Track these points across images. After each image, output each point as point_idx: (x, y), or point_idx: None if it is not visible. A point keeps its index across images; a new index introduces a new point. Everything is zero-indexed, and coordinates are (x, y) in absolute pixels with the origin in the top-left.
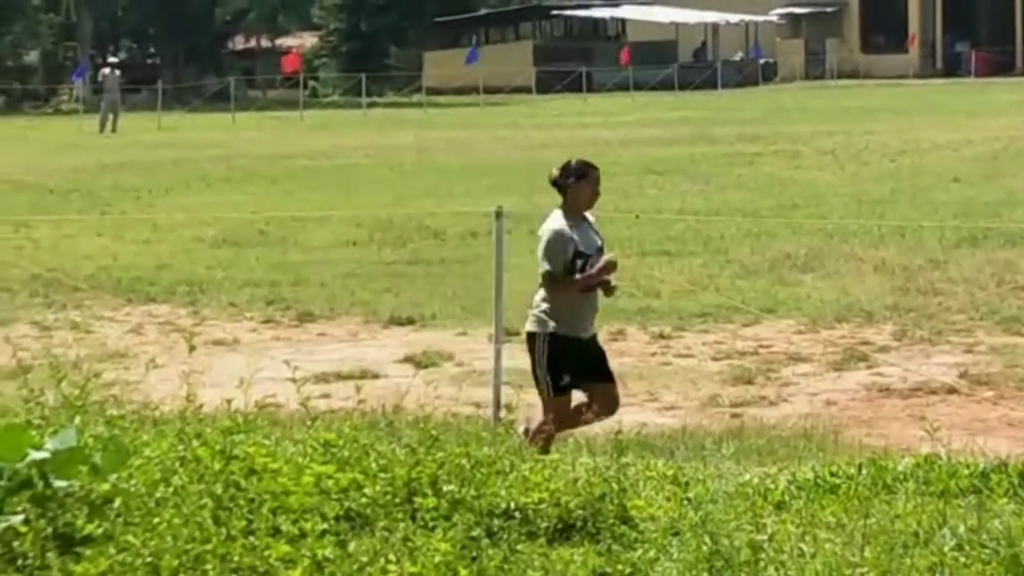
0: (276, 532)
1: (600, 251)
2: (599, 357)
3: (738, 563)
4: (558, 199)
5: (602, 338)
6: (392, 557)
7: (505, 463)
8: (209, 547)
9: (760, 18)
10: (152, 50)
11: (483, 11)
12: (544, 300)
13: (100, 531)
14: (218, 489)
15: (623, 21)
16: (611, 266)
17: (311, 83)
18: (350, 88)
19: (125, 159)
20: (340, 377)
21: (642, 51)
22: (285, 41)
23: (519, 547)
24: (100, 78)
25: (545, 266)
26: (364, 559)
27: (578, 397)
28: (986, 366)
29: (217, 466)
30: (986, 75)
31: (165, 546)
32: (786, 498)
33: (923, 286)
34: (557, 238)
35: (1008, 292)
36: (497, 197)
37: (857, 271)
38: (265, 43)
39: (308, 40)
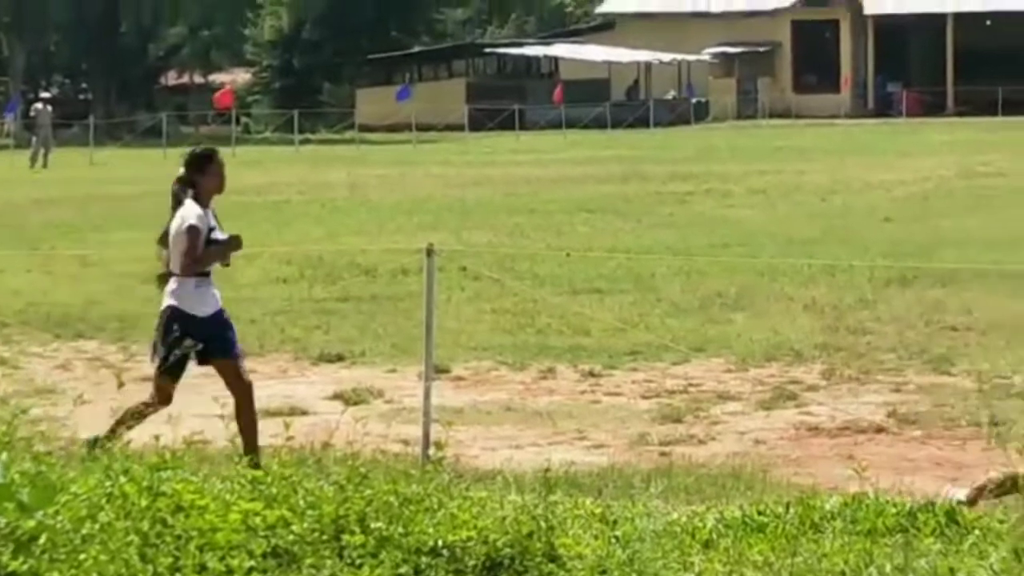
0: (203, 569)
1: None
2: None
3: None
4: (485, 237)
5: (530, 376)
6: None
7: (433, 500)
8: None
9: (692, 57)
10: (84, 85)
11: (416, 48)
12: None
13: (26, 568)
14: (145, 526)
15: (556, 59)
16: None
17: (244, 119)
18: (282, 124)
19: (56, 195)
20: (269, 414)
21: (575, 89)
22: (218, 77)
23: None
24: (32, 113)
25: None
26: None
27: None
28: (914, 405)
29: (144, 503)
30: (917, 115)
31: None
32: (714, 536)
33: (852, 325)
34: None
35: (937, 331)
36: (428, 234)
37: (787, 310)
38: (198, 79)
39: (241, 76)
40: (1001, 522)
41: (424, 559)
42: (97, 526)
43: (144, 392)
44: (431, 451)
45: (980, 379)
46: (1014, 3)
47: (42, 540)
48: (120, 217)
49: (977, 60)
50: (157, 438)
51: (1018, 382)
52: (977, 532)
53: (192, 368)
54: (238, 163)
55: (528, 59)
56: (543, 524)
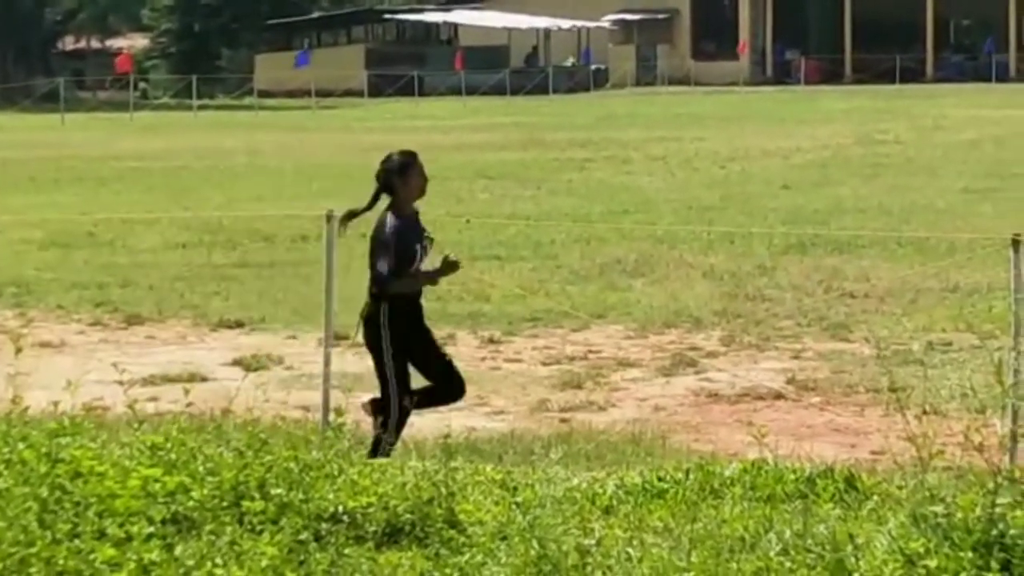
0: (102, 535)
1: None
2: None
3: (565, 567)
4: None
5: None
6: (219, 561)
7: (333, 467)
8: (34, 550)
9: (592, 24)
10: None
11: (315, 14)
12: None
13: None
14: (43, 492)
15: (455, 25)
16: None
17: (141, 84)
18: (181, 90)
19: None
20: (168, 380)
21: (474, 56)
22: (116, 42)
23: (347, 551)
24: None
25: None
26: (190, 563)
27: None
28: (813, 372)
29: (43, 469)
30: (815, 83)
31: None
32: (614, 503)
33: (751, 292)
34: None
35: (835, 299)
36: (328, 200)
37: (686, 277)
38: (96, 44)
39: (139, 41)
40: (900, 488)
41: (324, 525)
42: None
43: (42, 357)
44: (331, 417)
45: (878, 345)
46: None
47: None
48: (16, 182)
49: (875, 28)
50: (55, 404)
51: (916, 348)
52: (876, 498)
53: (93, 335)
54: (135, 129)
55: (428, 25)
56: (443, 490)
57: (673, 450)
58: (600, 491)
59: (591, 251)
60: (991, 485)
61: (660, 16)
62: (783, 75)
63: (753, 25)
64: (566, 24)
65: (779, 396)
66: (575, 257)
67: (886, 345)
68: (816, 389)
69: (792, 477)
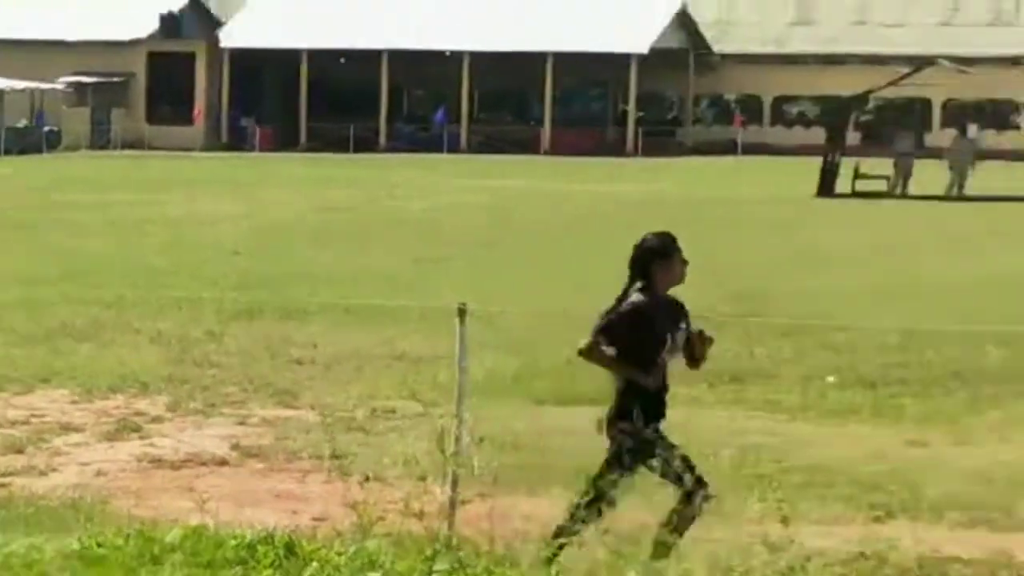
0: None
1: None
2: None
3: None
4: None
5: None
6: None
7: None
8: None
9: (47, 85)
10: None
11: None
12: None
13: None
14: None
15: None
16: None
17: None
18: None
19: None
20: None
21: None
22: None
23: None
24: None
25: None
26: None
27: None
28: (257, 438)
29: None
30: (271, 150)
31: None
32: (52, 569)
33: (199, 358)
34: None
35: (282, 364)
36: None
37: (134, 342)
38: None
39: None
40: (340, 554)
41: None
42: None
43: None
44: None
45: (323, 412)
46: (366, 42)
47: None
48: None
49: (331, 97)
50: None
51: (360, 415)
52: (316, 564)
53: None
54: None
55: None
56: None
57: (114, 516)
58: (38, 557)
59: (38, 315)
60: (429, 551)
61: (115, 79)
62: (239, 141)
63: (208, 91)
64: (20, 85)
65: (223, 462)
66: (21, 320)
67: (331, 412)
68: (260, 455)
69: (233, 543)
